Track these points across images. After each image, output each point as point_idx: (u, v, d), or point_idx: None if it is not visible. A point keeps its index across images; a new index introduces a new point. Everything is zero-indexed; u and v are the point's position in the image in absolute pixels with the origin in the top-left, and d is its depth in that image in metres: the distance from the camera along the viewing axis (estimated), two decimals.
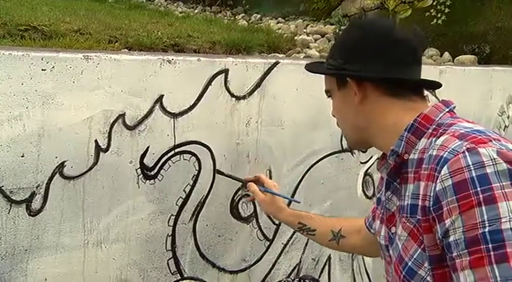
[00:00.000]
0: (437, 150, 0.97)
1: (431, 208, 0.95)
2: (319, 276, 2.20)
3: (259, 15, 6.29)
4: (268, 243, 2.01)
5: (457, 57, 4.14)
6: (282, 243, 2.06)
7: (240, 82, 1.83)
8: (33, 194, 1.47)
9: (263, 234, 1.99)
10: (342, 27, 4.61)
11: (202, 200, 1.80)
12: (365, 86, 1.13)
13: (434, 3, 4.33)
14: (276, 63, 1.92)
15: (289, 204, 1.69)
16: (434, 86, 1.23)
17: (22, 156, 1.44)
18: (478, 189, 0.88)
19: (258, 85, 1.87)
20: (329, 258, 2.23)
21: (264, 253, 2.01)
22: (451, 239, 0.91)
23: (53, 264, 1.53)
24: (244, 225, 1.93)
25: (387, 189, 1.16)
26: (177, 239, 1.76)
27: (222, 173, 1.81)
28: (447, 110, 1.09)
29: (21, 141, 1.43)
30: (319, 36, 4.64)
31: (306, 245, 2.13)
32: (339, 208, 2.20)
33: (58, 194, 1.51)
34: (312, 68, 1.30)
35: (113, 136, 1.58)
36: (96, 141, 1.55)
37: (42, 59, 1.43)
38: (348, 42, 1.18)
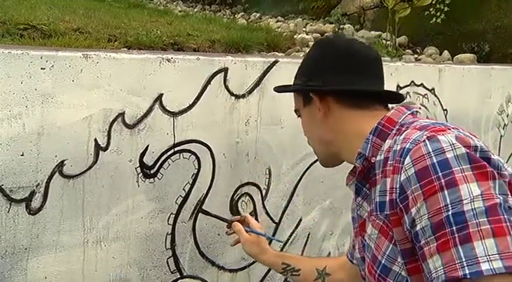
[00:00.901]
0: (400, 144, 1.00)
1: (397, 199, 0.96)
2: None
3: (258, 14, 6.29)
4: (268, 242, 2.01)
5: (456, 56, 4.15)
6: (282, 242, 2.06)
7: (239, 81, 1.83)
8: (32, 193, 1.47)
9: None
10: (341, 26, 4.61)
11: (201, 198, 1.80)
12: (327, 100, 1.17)
13: (434, 2, 4.33)
14: (275, 62, 1.92)
15: (270, 242, 1.66)
16: (395, 98, 1.26)
17: (22, 155, 1.44)
18: (440, 174, 0.89)
19: (257, 84, 1.87)
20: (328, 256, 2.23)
21: None
22: (418, 227, 0.92)
23: (53, 262, 1.53)
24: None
25: (357, 195, 1.18)
26: (177, 238, 1.76)
27: (208, 213, 1.79)
28: (409, 112, 1.12)
29: (20, 140, 1.43)
30: (319, 35, 4.64)
31: (306, 243, 2.14)
32: (338, 207, 2.21)
33: (58, 192, 1.51)
34: (279, 88, 1.37)
35: (113, 135, 1.58)
36: (95, 140, 1.55)
37: (41, 57, 1.43)
38: (310, 61, 1.24)
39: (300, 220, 2.10)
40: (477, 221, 0.85)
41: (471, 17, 4.34)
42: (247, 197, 1.92)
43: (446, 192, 0.88)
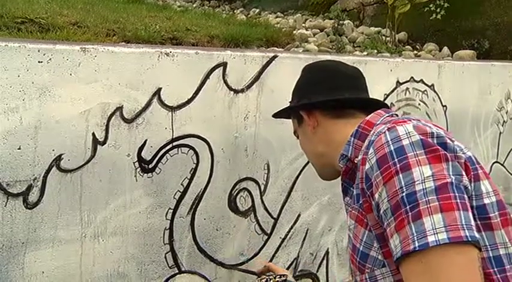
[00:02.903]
0: (368, 139, 1.10)
1: (365, 187, 1.04)
2: (317, 271, 2.20)
3: (257, 10, 6.27)
4: (266, 237, 2.01)
5: (456, 52, 4.14)
6: (280, 238, 2.05)
7: (238, 75, 1.82)
8: (30, 187, 1.46)
9: (261, 228, 1.99)
10: (341, 22, 4.60)
11: (200, 193, 1.79)
12: (315, 115, 1.29)
13: None
14: (274, 57, 1.91)
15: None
16: (378, 105, 1.33)
17: (19, 149, 1.43)
18: (396, 160, 0.98)
19: (256, 78, 1.86)
20: (327, 252, 2.23)
21: (262, 247, 2.00)
22: (381, 211, 0.99)
23: (50, 257, 1.53)
24: (242, 219, 1.93)
25: (345, 194, 1.25)
26: (175, 233, 1.76)
27: (237, 269, 1.88)
28: (387, 115, 1.20)
29: (17, 134, 1.42)
30: (318, 30, 4.62)
31: (304, 239, 2.13)
32: (337, 203, 2.20)
33: (55, 187, 1.50)
34: (276, 114, 1.50)
35: (111, 129, 1.57)
36: (93, 134, 1.54)
37: (38, 50, 1.42)
38: (298, 84, 1.39)
39: (299, 216, 2.10)
40: (427, 199, 0.92)
41: (471, 14, 4.33)
42: (246, 192, 1.92)
43: (401, 175, 0.96)
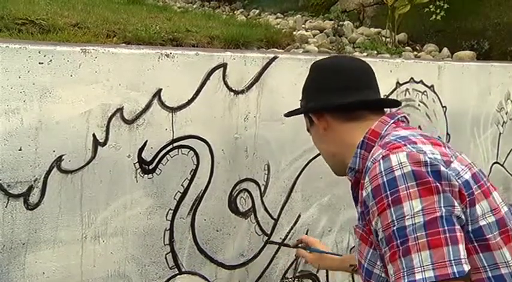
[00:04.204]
0: (368, 159, 1.12)
1: (364, 212, 1.08)
2: (317, 272, 2.20)
3: (257, 11, 6.27)
4: (266, 238, 2.01)
5: (455, 53, 4.14)
6: (280, 238, 2.06)
7: (239, 76, 1.83)
8: (30, 188, 1.47)
9: (261, 229, 1.99)
10: (341, 23, 4.61)
11: (200, 194, 1.80)
12: (325, 117, 1.29)
13: None
14: (275, 58, 1.91)
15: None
16: (389, 103, 1.38)
17: (20, 150, 1.43)
18: (388, 192, 1.00)
19: (256, 79, 1.87)
20: None
21: (262, 248, 2.01)
22: (379, 238, 1.03)
23: (51, 258, 1.53)
24: (242, 220, 1.93)
25: (356, 203, 1.26)
26: (175, 234, 1.76)
27: (273, 242, 1.94)
28: (392, 121, 1.21)
29: (18, 135, 1.42)
30: (318, 31, 4.62)
31: None
32: (337, 203, 2.20)
33: (56, 187, 1.50)
34: (288, 113, 1.48)
35: (111, 130, 1.57)
36: (94, 135, 1.54)
37: (39, 52, 1.42)
38: (307, 84, 1.38)
39: (299, 216, 2.10)
40: (415, 235, 0.95)
41: (471, 14, 4.34)
42: (246, 193, 1.92)
43: (392, 209, 0.99)
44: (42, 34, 2.71)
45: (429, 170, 1.00)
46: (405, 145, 1.07)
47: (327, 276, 2.24)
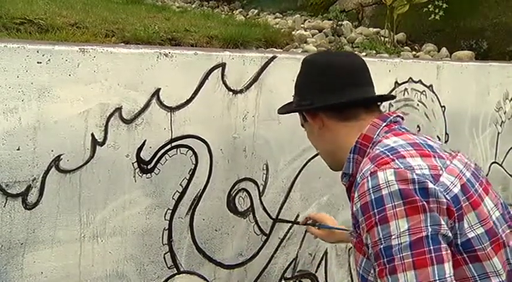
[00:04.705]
0: (358, 175, 1.12)
1: (355, 225, 1.10)
2: (316, 271, 2.20)
3: (256, 11, 6.27)
4: (265, 238, 2.01)
5: (454, 53, 4.15)
6: (279, 238, 2.06)
7: (237, 76, 1.82)
8: (29, 188, 1.46)
9: (260, 229, 1.99)
10: (340, 22, 4.61)
11: (199, 194, 1.80)
12: (319, 116, 1.27)
13: None
14: (273, 58, 1.91)
15: None
16: (384, 99, 1.37)
17: (18, 150, 1.43)
18: (375, 210, 1.01)
19: (255, 79, 1.87)
20: (326, 253, 2.23)
21: (261, 248, 2.00)
22: (369, 252, 1.05)
23: (49, 257, 1.53)
24: (241, 220, 1.93)
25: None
26: (174, 233, 1.76)
27: (281, 220, 1.93)
28: (384, 124, 1.20)
29: (17, 134, 1.42)
30: (317, 31, 4.63)
31: (303, 240, 2.14)
32: (336, 203, 2.20)
33: (54, 187, 1.50)
34: (281, 109, 1.48)
35: (110, 129, 1.57)
36: (92, 134, 1.54)
37: (37, 51, 1.42)
38: (299, 81, 1.35)
39: (297, 216, 2.10)
40: (401, 255, 0.98)
41: (469, 14, 4.34)
42: (245, 192, 1.92)
43: (379, 227, 1.00)
44: (40, 33, 2.71)
45: (416, 187, 1.01)
46: (393, 160, 1.06)
47: (326, 276, 2.24)
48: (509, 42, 4.07)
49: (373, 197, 1.02)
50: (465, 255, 1.04)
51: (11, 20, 2.71)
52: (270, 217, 2.01)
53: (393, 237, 0.99)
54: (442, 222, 1.00)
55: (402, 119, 1.27)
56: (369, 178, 1.05)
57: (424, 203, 1.00)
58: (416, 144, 1.12)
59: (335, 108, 1.26)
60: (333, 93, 1.25)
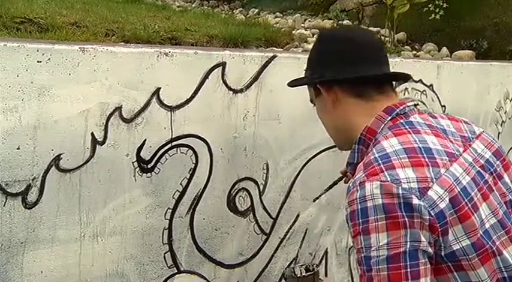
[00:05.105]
0: (353, 178, 1.13)
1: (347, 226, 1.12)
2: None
3: (256, 10, 6.27)
4: (265, 237, 2.01)
5: (454, 53, 4.14)
6: (279, 238, 2.05)
7: (237, 75, 1.82)
8: (29, 187, 1.46)
9: (260, 228, 1.99)
10: (340, 22, 4.61)
11: (199, 193, 1.79)
12: (334, 90, 1.24)
13: None
14: (274, 57, 1.91)
15: None
16: (400, 78, 1.31)
17: (18, 149, 1.43)
18: (360, 220, 1.04)
19: (255, 78, 1.87)
20: (326, 252, 2.23)
21: (261, 247, 2.00)
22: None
23: (49, 257, 1.53)
24: (241, 219, 1.93)
25: None
26: (174, 233, 1.76)
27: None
28: (389, 118, 1.18)
29: (16, 134, 1.42)
30: (317, 30, 4.62)
31: (303, 239, 2.13)
32: (335, 203, 2.20)
33: (54, 186, 1.50)
34: (292, 82, 1.42)
35: (110, 129, 1.57)
36: (92, 134, 1.54)
37: (37, 50, 1.42)
38: (314, 54, 1.32)
39: (298, 215, 2.10)
40: (378, 267, 1.01)
41: (470, 14, 4.34)
42: (245, 192, 1.92)
43: (362, 237, 1.04)
44: (40, 33, 2.71)
45: (401, 201, 1.02)
46: (382, 172, 1.06)
47: (326, 275, 2.24)
48: (510, 42, 4.07)
49: (359, 207, 1.04)
50: (449, 264, 1.05)
51: (11, 19, 2.71)
52: (270, 217, 2.01)
53: (372, 249, 1.02)
54: (423, 239, 1.01)
55: (416, 105, 1.23)
56: (358, 188, 1.06)
57: (406, 219, 1.01)
58: (412, 150, 1.10)
59: (350, 82, 1.22)
60: (348, 67, 1.22)
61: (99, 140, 1.55)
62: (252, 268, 1.99)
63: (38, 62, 1.42)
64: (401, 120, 1.18)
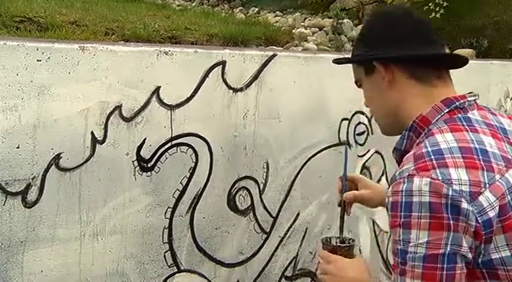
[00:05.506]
0: (400, 166, 1.09)
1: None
2: (316, 270, 2.20)
3: (256, 9, 6.27)
4: (265, 236, 2.01)
5: (455, 51, 4.14)
6: (279, 237, 2.05)
7: (237, 74, 1.82)
8: (28, 186, 1.46)
9: (260, 227, 1.99)
10: (340, 21, 4.60)
11: (199, 192, 1.79)
12: (391, 68, 1.17)
13: None
14: (274, 56, 1.90)
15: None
16: (458, 62, 1.24)
17: (17, 148, 1.42)
18: (402, 213, 1.02)
19: (255, 77, 1.86)
20: None
21: (261, 246, 2.00)
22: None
23: (49, 256, 1.52)
24: (241, 218, 1.93)
25: None
26: (174, 232, 1.76)
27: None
28: (446, 111, 1.12)
29: (16, 133, 1.41)
30: (317, 29, 4.63)
31: (303, 238, 2.13)
32: (336, 202, 2.20)
33: (54, 185, 1.50)
34: (338, 60, 1.34)
35: (110, 128, 1.57)
36: (92, 133, 1.54)
37: (37, 49, 1.42)
38: (370, 31, 1.24)
39: (298, 214, 2.10)
40: (413, 263, 1.00)
41: (470, 13, 4.34)
42: (245, 191, 1.92)
43: (402, 230, 1.02)
44: (40, 31, 2.71)
45: (449, 203, 0.98)
46: (434, 169, 1.01)
47: None
48: (510, 40, 4.07)
49: (403, 200, 1.01)
50: (484, 271, 1.02)
51: (10, 18, 2.71)
52: (271, 215, 2.01)
53: (411, 244, 1.00)
54: (464, 244, 0.98)
55: (475, 100, 1.17)
56: (406, 180, 1.02)
57: (451, 221, 0.97)
58: (468, 150, 1.04)
59: (409, 61, 1.16)
60: (408, 45, 1.16)
61: (99, 139, 1.55)
62: (252, 267, 1.98)
63: (37, 60, 1.42)
64: (459, 115, 1.12)
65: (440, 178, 0.99)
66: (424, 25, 1.20)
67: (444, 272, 0.98)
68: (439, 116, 1.11)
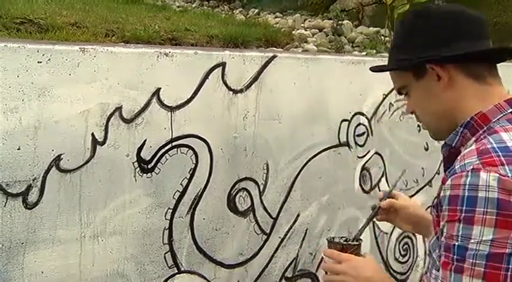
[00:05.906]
0: (459, 160, 1.04)
1: (438, 208, 1.05)
2: (316, 271, 2.20)
3: (256, 10, 6.28)
4: (266, 237, 2.01)
5: None
6: (279, 238, 2.05)
7: (238, 75, 1.82)
8: (29, 187, 1.46)
9: (260, 228, 1.99)
10: (340, 22, 4.61)
11: (199, 193, 1.80)
12: (448, 69, 1.11)
13: None
14: (274, 57, 1.91)
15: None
16: (505, 55, 1.20)
17: (18, 149, 1.43)
18: (464, 208, 0.96)
19: (255, 78, 1.87)
20: None
21: (261, 247, 2.00)
22: (442, 238, 1.02)
23: (50, 257, 1.53)
24: (241, 219, 1.93)
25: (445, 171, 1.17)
26: (174, 233, 1.76)
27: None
28: (510, 110, 1.08)
29: (17, 134, 1.42)
30: (317, 30, 4.63)
31: (303, 239, 2.13)
32: (336, 203, 2.20)
33: (54, 187, 1.50)
34: (379, 67, 1.28)
35: (110, 129, 1.57)
36: (92, 134, 1.54)
37: (38, 51, 1.42)
38: (419, 31, 1.16)
39: (298, 215, 2.10)
40: (474, 261, 0.94)
41: None
42: (245, 192, 1.92)
43: (461, 225, 0.97)
44: (40, 33, 2.72)
45: None
46: (502, 165, 0.97)
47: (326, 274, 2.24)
48: (510, 42, 4.07)
49: (466, 194, 0.96)
50: None
51: (11, 19, 2.72)
52: (271, 216, 2.01)
53: (472, 241, 0.95)
54: None
55: None
56: (470, 174, 0.97)
57: None
58: None
59: (464, 59, 1.10)
60: (466, 42, 1.10)
61: (99, 140, 1.56)
62: (252, 268, 1.99)
63: (38, 62, 1.42)
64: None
65: (510, 175, 0.96)
66: (470, 19, 1.14)
67: (509, 273, 0.93)
68: (501, 115, 1.08)
